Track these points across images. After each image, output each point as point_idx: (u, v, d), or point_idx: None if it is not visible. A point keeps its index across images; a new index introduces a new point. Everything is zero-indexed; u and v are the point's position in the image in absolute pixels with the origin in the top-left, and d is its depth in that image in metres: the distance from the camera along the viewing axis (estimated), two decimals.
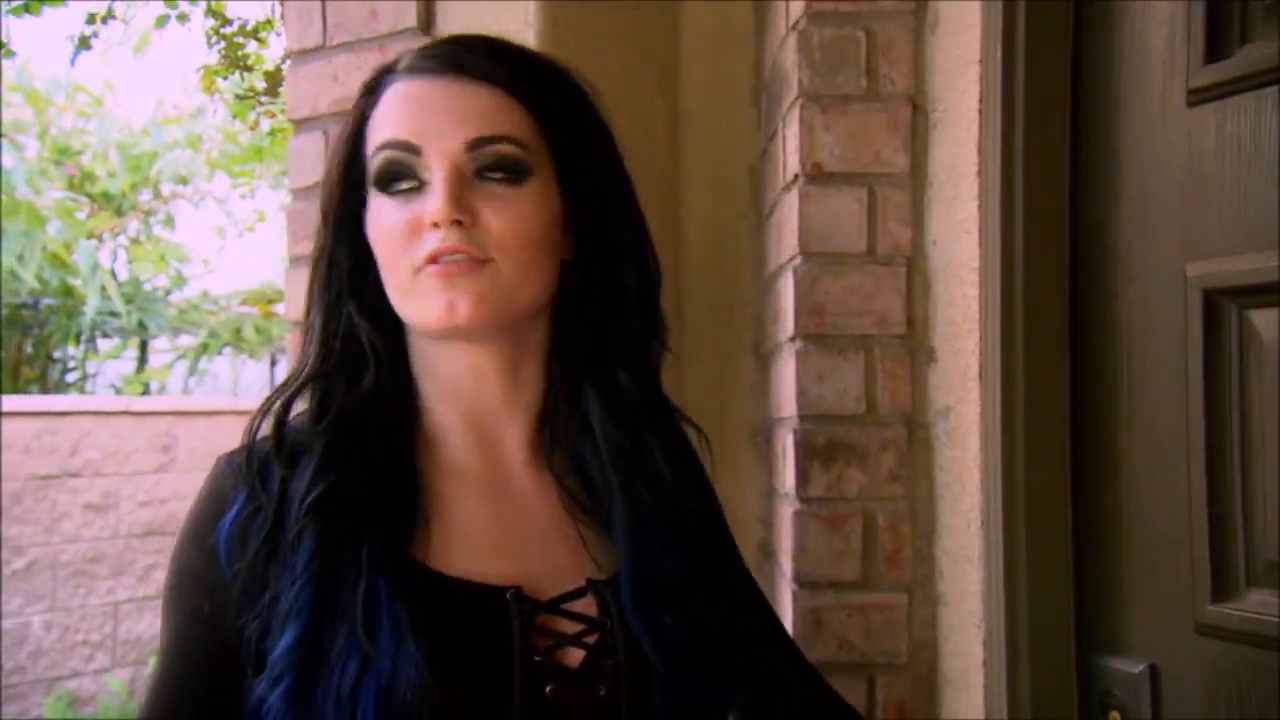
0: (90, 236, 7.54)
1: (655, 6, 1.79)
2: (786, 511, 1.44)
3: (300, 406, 0.98)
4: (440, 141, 0.91)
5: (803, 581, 1.39)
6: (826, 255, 1.40)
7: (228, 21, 2.60)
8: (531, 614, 0.92)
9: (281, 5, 2.43)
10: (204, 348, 9.22)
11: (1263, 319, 1.10)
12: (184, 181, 8.70)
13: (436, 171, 0.91)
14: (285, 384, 0.98)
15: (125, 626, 6.03)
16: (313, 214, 1.73)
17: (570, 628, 0.93)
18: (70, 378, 8.50)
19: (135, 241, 8.63)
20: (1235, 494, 1.11)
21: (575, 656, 0.93)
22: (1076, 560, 1.27)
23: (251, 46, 2.63)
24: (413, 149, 0.91)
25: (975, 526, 1.33)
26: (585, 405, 1.01)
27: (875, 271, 1.40)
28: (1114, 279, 1.24)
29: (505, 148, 0.92)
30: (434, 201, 0.90)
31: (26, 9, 3.13)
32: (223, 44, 2.57)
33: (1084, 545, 1.27)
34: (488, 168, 0.92)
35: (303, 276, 1.74)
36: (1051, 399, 1.28)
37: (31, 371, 7.99)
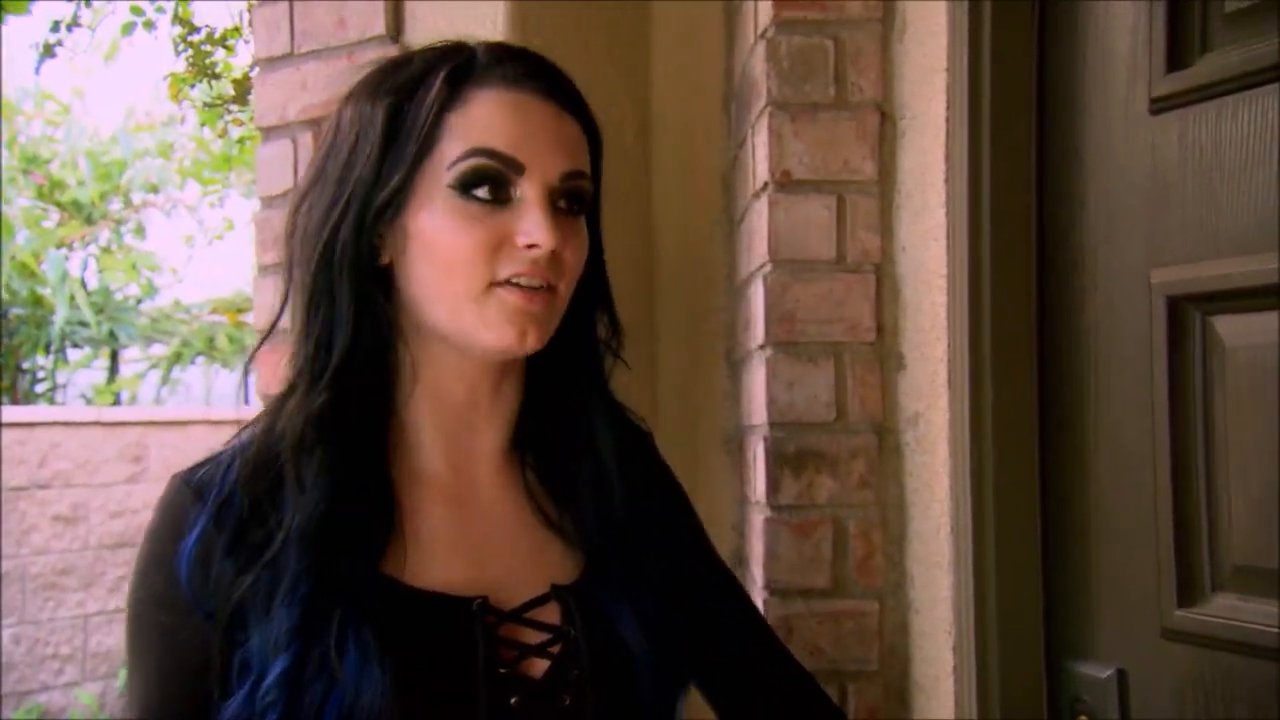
0: (60, 245, 7.48)
1: (625, 12, 1.79)
2: (757, 519, 1.44)
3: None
4: (543, 166, 0.91)
5: (773, 589, 1.40)
6: (796, 262, 1.41)
7: (195, 29, 2.59)
8: (496, 625, 0.93)
9: (249, 13, 2.42)
10: (176, 357, 9.16)
11: (1226, 325, 1.11)
12: (155, 190, 8.65)
13: (531, 194, 0.90)
14: (287, 396, 0.94)
15: (95, 639, 5.97)
16: (282, 222, 1.74)
17: (534, 637, 0.94)
18: (40, 388, 8.43)
19: (106, 250, 8.57)
20: (1200, 499, 1.12)
21: (540, 666, 0.93)
22: (1045, 566, 1.28)
23: (220, 54, 2.62)
24: (516, 166, 0.90)
25: (945, 533, 1.33)
26: (561, 416, 1.03)
27: (844, 279, 1.41)
28: (1080, 285, 1.25)
29: (585, 183, 0.95)
30: (536, 227, 0.89)
31: None
32: (190, 52, 2.55)
33: (1052, 551, 1.28)
34: (566, 198, 0.93)
35: (272, 285, 1.74)
36: (1019, 405, 1.29)
37: (1, 382, 7.92)
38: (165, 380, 9.11)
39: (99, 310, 7.66)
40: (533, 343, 0.92)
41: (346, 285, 0.92)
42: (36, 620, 5.75)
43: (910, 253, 1.39)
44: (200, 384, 10.15)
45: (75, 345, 8.30)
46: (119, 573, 6.00)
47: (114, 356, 8.86)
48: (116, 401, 8.22)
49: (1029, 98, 1.29)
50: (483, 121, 0.91)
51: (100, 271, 8.18)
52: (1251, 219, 1.07)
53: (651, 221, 1.84)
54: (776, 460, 1.40)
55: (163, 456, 6.14)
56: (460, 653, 0.91)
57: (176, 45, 2.60)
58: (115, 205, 8.43)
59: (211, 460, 0.95)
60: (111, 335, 8.05)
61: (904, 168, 1.40)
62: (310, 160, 1.00)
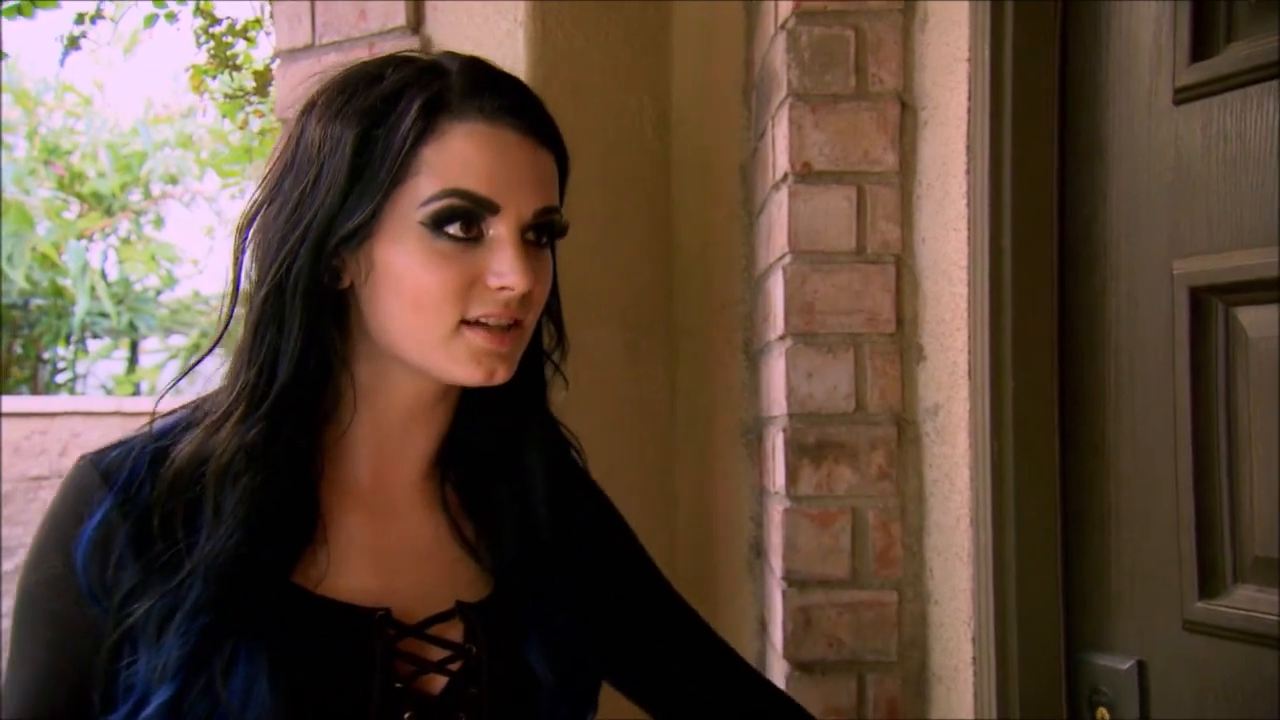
0: (80, 237, 7.53)
1: (644, 4, 1.79)
2: (776, 509, 1.44)
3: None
4: (518, 206, 0.88)
5: (792, 579, 1.40)
6: (816, 254, 1.41)
7: (216, 21, 2.59)
8: (396, 639, 0.91)
9: (271, 5, 2.43)
10: (195, 348, 9.20)
11: (1249, 316, 1.11)
12: (174, 181, 8.69)
13: (505, 233, 0.88)
14: (222, 419, 0.89)
15: None
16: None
17: (435, 653, 0.92)
18: (60, 378, 8.49)
19: (125, 242, 8.62)
20: (1222, 491, 1.12)
21: (438, 683, 0.91)
22: (1064, 558, 1.28)
23: (240, 46, 2.62)
24: (491, 207, 0.87)
25: (965, 524, 1.33)
26: (493, 430, 1.00)
27: (864, 270, 1.40)
28: (1102, 276, 1.25)
29: (557, 218, 0.93)
30: (510, 270, 0.87)
31: (20, 11, 3.11)
32: (211, 43, 2.56)
33: (1072, 543, 1.28)
34: (538, 232, 0.91)
35: None
36: (1040, 396, 1.28)
37: (21, 372, 7.98)
38: (184, 371, 9.13)
39: (119, 301, 7.71)
40: (500, 378, 0.90)
41: (298, 314, 0.88)
42: None
43: (930, 244, 1.39)
44: (219, 375, 10.17)
45: (95, 336, 8.35)
46: None
47: (134, 347, 8.91)
48: (136, 392, 8.27)
49: (1051, 88, 1.28)
50: (459, 160, 0.87)
51: (120, 262, 8.23)
52: (1276, 209, 1.06)
53: (670, 214, 1.84)
54: (796, 451, 1.40)
55: None
56: (358, 665, 0.88)
57: (198, 37, 2.60)
58: (135, 196, 8.47)
59: (123, 444, 0.91)
60: (131, 326, 8.11)
61: (924, 158, 1.40)
62: (265, 171, 0.94)
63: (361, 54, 1.69)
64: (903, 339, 1.41)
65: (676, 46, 1.83)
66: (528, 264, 0.88)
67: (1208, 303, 1.14)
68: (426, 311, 0.88)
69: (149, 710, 0.82)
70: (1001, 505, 1.28)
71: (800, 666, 1.40)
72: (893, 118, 1.40)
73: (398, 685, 0.89)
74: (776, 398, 1.45)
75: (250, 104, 2.83)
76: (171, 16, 2.89)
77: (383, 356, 0.92)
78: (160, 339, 9.14)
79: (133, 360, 8.75)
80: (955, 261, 1.34)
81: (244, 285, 0.94)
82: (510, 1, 1.58)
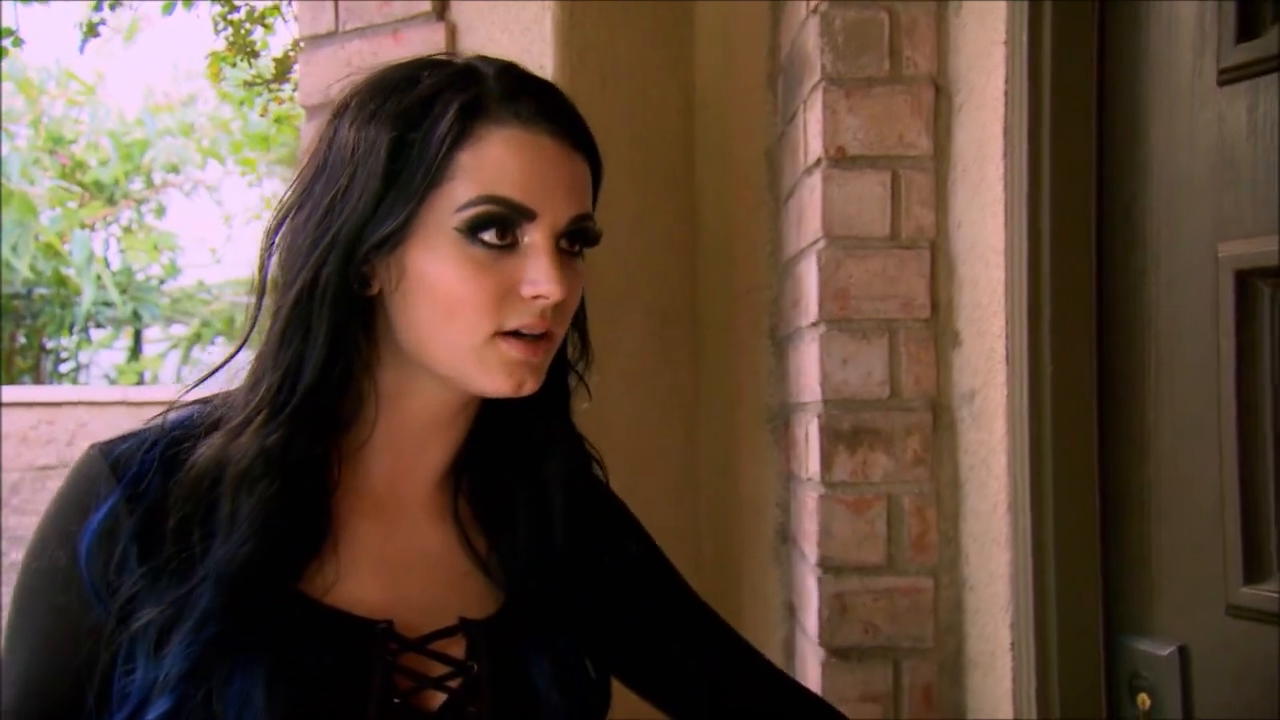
0: (83, 226, 7.50)
1: None
2: (811, 496, 1.43)
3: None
4: (554, 214, 0.86)
5: (827, 566, 1.39)
6: (850, 239, 1.39)
7: (235, 8, 2.57)
8: (398, 652, 0.88)
9: None
10: (196, 337, 9.19)
11: None
12: (176, 170, 8.66)
13: (540, 240, 0.86)
14: (244, 424, 0.87)
15: None
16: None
17: (436, 669, 0.89)
18: (64, 368, 8.47)
19: (128, 230, 8.59)
20: (1269, 474, 1.11)
21: (436, 700, 0.89)
22: (1104, 543, 1.27)
23: (259, 33, 2.60)
24: (527, 214, 0.85)
25: (1002, 510, 1.32)
26: (513, 440, 0.98)
27: (899, 255, 1.39)
28: (1142, 260, 1.23)
29: (590, 225, 0.90)
30: (545, 279, 0.85)
31: None
32: (230, 30, 2.53)
33: (1111, 528, 1.27)
34: (571, 240, 0.89)
35: None
36: (1079, 381, 1.27)
37: (25, 362, 7.96)
38: (185, 359, 9.15)
39: (122, 290, 7.68)
40: (529, 389, 0.88)
41: (325, 321, 0.86)
42: None
43: (966, 229, 1.38)
44: (239, 372, 10.17)
45: (99, 325, 8.33)
46: None
47: (137, 336, 8.89)
48: (140, 381, 8.25)
49: (1090, 71, 1.27)
50: (496, 165, 0.85)
51: (123, 251, 8.21)
52: None
53: (695, 201, 1.82)
54: (830, 437, 1.39)
55: None
56: (357, 679, 0.86)
57: (216, 24, 2.58)
58: (136, 185, 8.44)
59: (134, 436, 0.88)
60: (135, 315, 8.09)
61: (959, 142, 1.38)
62: (295, 175, 0.92)
63: (386, 41, 1.67)
64: (937, 324, 1.39)
65: (699, 34, 1.82)
66: (562, 272, 0.86)
67: (1255, 286, 1.12)
68: (459, 321, 0.86)
69: (156, 713, 0.80)
70: (1040, 490, 1.27)
71: (836, 653, 1.39)
72: (927, 101, 1.39)
73: (395, 701, 0.87)
74: (809, 384, 1.44)
75: (270, 91, 2.81)
76: (190, 2, 2.86)
77: (409, 364, 0.90)
78: (162, 328, 9.13)
79: (136, 349, 8.73)
80: (992, 246, 1.33)
81: (263, 288, 0.92)
82: None
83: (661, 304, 1.74)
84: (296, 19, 1.96)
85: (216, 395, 0.92)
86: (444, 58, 0.93)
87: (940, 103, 1.39)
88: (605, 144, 0.96)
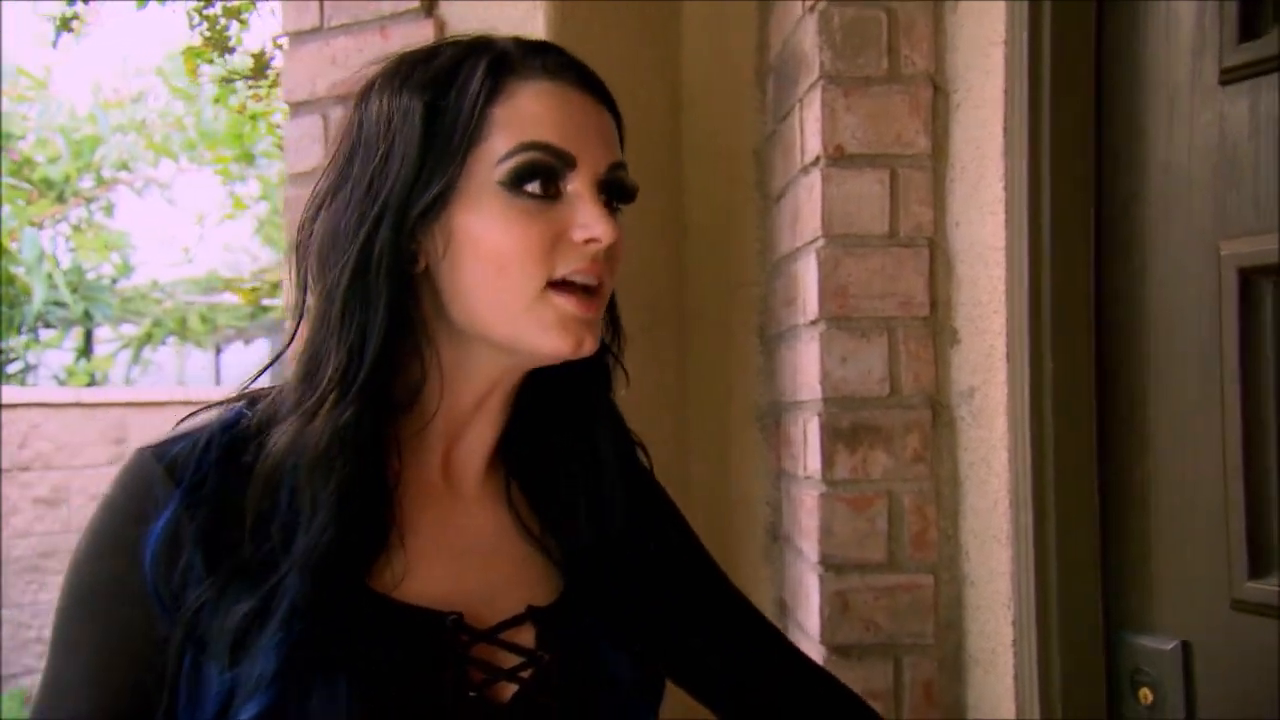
0: (32, 224, 7.34)
1: None
2: (810, 494, 1.42)
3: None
4: (593, 159, 0.86)
5: (828, 564, 1.38)
6: (849, 237, 1.39)
7: (210, 3, 2.51)
8: (469, 644, 0.87)
9: None
10: (148, 337, 9.04)
11: None
12: (126, 167, 8.50)
13: (584, 188, 0.85)
14: (316, 408, 0.85)
15: None
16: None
17: (507, 660, 0.88)
18: (11, 369, 8.28)
19: (77, 229, 8.43)
20: (1273, 470, 1.11)
21: (508, 691, 0.88)
22: (1105, 539, 1.27)
23: (234, 28, 2.55)
24: (567, 160, 0.85)
25: (1003, 507, 1.32)
26: (562, 424, 0.97)
27: (897, 253, 1.39)
28: (1142, 257, 1.24)
29: (626, 175, 0.90)
30: (596, 220, 0.84)
31: None
32: (205, 25, 2.48)
33: (1112, 525, 1.27)
34: (608, 192, 0.88)
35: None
36: (1079, 378, 1.28)
37: None
38: (135, 359, 8.98)
39: (74, 290, 7.53)
40: (589, 349, 0.87)
41: (385, 292, 0.84)
42: (19, 604, 5.66)
43: (964, 227, 1.38)
44: (172, 364, 10.01)
45: (49, 325, 8.16)
46: None
47: (87, 336, 8.72)
48: (92, 382, 8.09)
49: (1090, 70, 1.27)
50: (531, 114, 0.85)
51: (73, 250, 8.05)
52: None
53: (681, 199, 1.81)
54: (831, 435, 1.38)
55: (144, 438, 6.02)
56: (430, 672, 0.85)
57: (191, 18, 2.52)
58: (86, 183, 8.28)
59: (185, 438, 0.86)
60: (86, 315, 7.93)
61: (957, 141, 1.39)
62: (328, 163, 0.91)
63: (373, 37, 1.65)
64: (936, 322, 1.39)
65: (687, 33, 1.80)
66: (611, 219, 0.86)
67: (1257, 283, 1.13)
68: (512, 272, 0.84)
69: (255, 709, 0.78)
70: (1042, 487, 1.28)
71: (837, 650, 1.38)
72: (925, 100, 1.39)
73: (471, 695, 0.85)
74: (808, 382, 1.44)
75: (249, 87, 2.75)
76: None
77: (464, 338, 0.89)
78: (112, 328, 8.96)
79: (88, 349, 8.56)
80: (990, 244, 1.33)
81: (305, 281, 0.90)
82: None
83: (649, 303, 1.73)
84: (275, 14, 1.91)
85: (257, 392, 0.91)
86: (456, 37, 0.93)
87: (938, 101, 1.39)
88: None
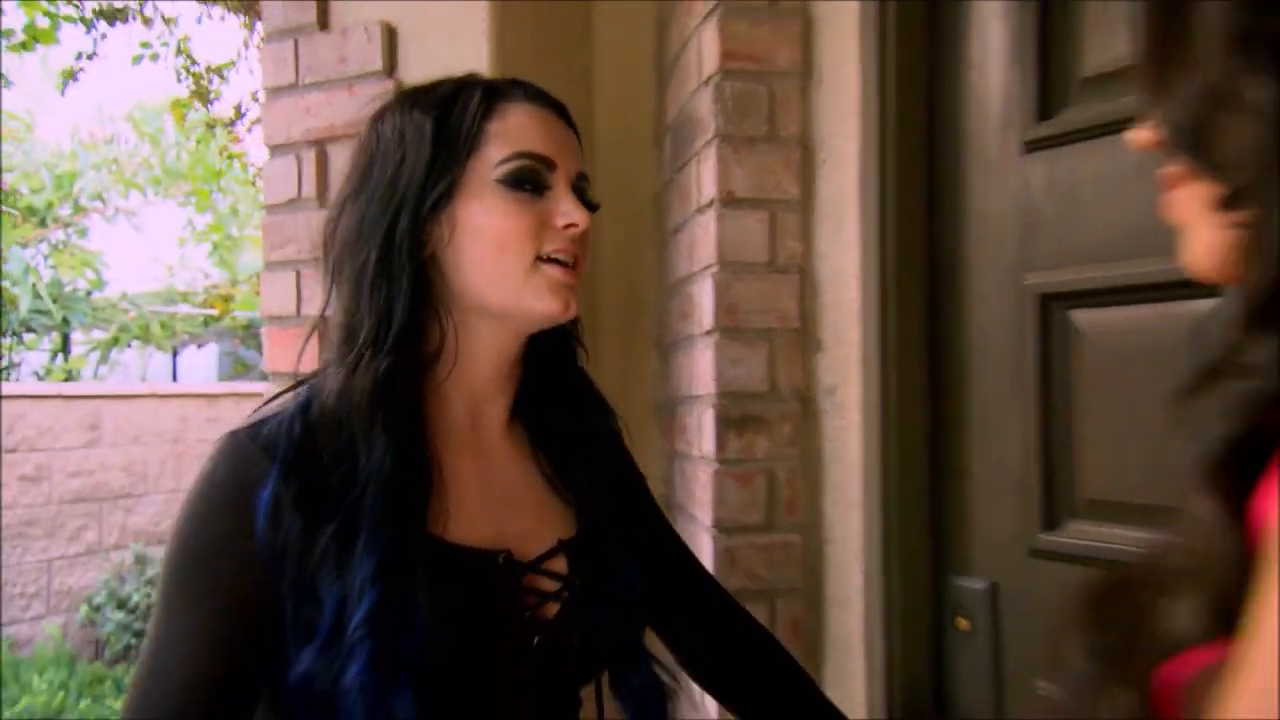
0: (19, 245, 6.85)
1: (571, 66, 1.73)
2: (705, 471, 1.41)
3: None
4: (567, 164, 0.87)
5: (720, 527, 1.37)
6: (737, 264, 1.38)
7: (195, 61, 2.37)
8: (520, 575, 0.87)
9: (258, 49, 2.24)
10: (115, 341, 8.60)
11: (1082, 317, 1.14)
12: (101, 198, 8.06)
13: (562, 186, 0.86)
14: (355, 364, 0.83)
15: (58, 580, 5.56)
16: (288, 227, 1.61)
17: (548, 585, 0.88)
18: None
19: (57, 249, 7.94)
20: (1061, 449, 1.15)
21: (551, 609, 0.88)
22: (933, 504, 1.30)
23: (215, 83, 2.41)
24: (550, 164, 0.86)
25: (856, 479, 1.33)
26: (559, 394, 0.96)
27: (775, 278, 1.39)
28: (964, 286, 1.27)
29: (588, 186, 0.91)
30: (573, 208, 0.85)
31: (24, 46, 2.76)
32: (191, 80, 2.34)
33: (939, 492, 1.30)
34: (579, 194, 0.89)
35: (280, 279, 1.61)
36: (916, 380, 1.30)
37: None
38: (103, 360, 8.55)
39: (54, 300, 7.06)
40: (573, 311, 0.88)
41: (406, 268, 0.84)
42: (6, 564, 5.29)
43: (828, 259, 1.39)
44: (135, 364, 9.54)
45: (31, 330, 7.67)
46: (78, 523, 5.58)
47: (65, 340, 8.25)
48: (68, 378, 7.63)
49: (924, 138, 1.30)
50: (520, 128, 0.86)
51: (53, 267, 7.56)
52: (1102, 236, 1.10)
53: (596, 236, 1.78)
54: (723, 423, 1.37)
55: (115, 425, 5.74)
56: (491, 600, 0.84)
57: (179, 74, 2.38)
58: (66, 210, 7.80)
59: (272, 419, 0.82)
60: (65, 321, 7.45)
61: (822, 191, 1.39)
62: (347, 175, 0.90)
63: (341, 94, 1.57)
64: (805, 334, 1.40)
65: (598, 99, 1.78)
66: (584, 207, 0.87)
67: (1051, 307, 1.17)
68: (510, 249, 0.84)
69: (357, 618, 0.75)
70: (886, 464, 1.29)
71: None
72: (796, 158, 1.39)
73: (526, 614, 0.86)
74: (704, 380, 1.43)
75: (230, 132, 2.61)
76: (155, 57, 2.63)
77: (468, 314, 0.87)
78: (85, 333, 8.49)
79: (65, 350, 8.06)
80: (848, 273, 1.34)
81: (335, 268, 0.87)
82: (474, 52, 1.50)
83: None
84: (254, 74, 1.82)
85: (314, 375, 0.88)
86: (443, 78, 0.92)
87: (807, 159, 1.40)
88: None
